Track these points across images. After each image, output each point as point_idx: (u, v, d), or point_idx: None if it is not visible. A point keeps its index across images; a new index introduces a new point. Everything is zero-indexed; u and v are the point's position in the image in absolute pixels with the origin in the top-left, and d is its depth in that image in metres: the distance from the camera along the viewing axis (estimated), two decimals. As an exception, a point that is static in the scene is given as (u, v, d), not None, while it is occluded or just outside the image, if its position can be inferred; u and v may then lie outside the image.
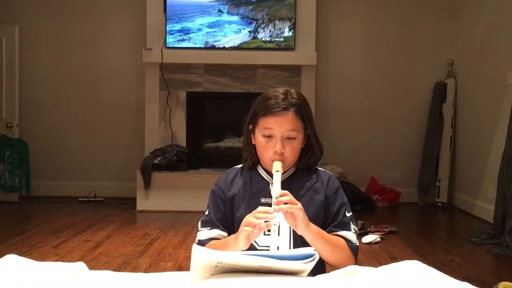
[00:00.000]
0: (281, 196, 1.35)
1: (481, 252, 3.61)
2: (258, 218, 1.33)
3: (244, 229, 1.34)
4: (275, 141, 1.47)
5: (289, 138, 1.48)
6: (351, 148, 5.45)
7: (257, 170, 1.57)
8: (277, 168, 1.45)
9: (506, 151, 3.85)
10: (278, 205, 1.33)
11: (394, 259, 3.34)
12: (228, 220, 1.54)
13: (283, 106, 1.47)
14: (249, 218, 1.35)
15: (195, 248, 1.09)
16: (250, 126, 1.55)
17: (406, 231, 4.21)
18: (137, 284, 1.17)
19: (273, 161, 1.47)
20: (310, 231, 1.39)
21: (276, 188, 1.39)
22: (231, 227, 1.52)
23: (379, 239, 3.82)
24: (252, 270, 1.12)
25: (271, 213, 1.33)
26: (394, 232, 4.07)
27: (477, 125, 4.88)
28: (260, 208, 1.38)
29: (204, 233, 1.53)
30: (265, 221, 1.33)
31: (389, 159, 5.50)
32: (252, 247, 1.44)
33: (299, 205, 1.36)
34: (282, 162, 1.47)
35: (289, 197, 1.35)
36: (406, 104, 5.49)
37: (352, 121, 5.50)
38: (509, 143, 3.82)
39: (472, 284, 1.10)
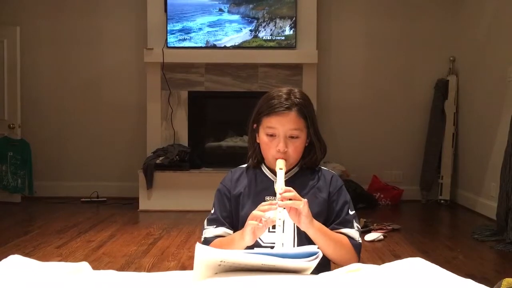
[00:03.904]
0: (285, 192, 1.37)
1: (484, 249, 3.60)
2: (262, 211, 1.35)
3: (249, 223, 1.36)
4: (278, 140, 1.49)
5: (292, 137, 1.50)
6: (353, 146, 5.44)
7: (261, 169, 1.59)
8: (280, 165, 1.46)
9: (508, 147, 3.84)
10: (282, 201, 1.35)
11: (397, 256, 3.33)
12: (233, 218, 1.56)
13: (285, 106, 1.48)
14: (254, 212, 1.37)
15: (198, 247, 1.09)
16: (254, 125, 1.56)
17: (409, 228, 4.20)
18: (141, 283, 1.17)
19: (277, 159, 1.49)
20: (313, 227, 1.40)
21: (279, 185, 1.40)
22: (236, 226, 1.54)
23: (381, 237, 3.82)
24: (255, 269, 1.12)
25: (274, 204, 1.35)
26: (396, 229, 4.06)
27: (479, 122, 4.87)
28: (263, 203, 1.40)
29: (210, 231, 1.54)
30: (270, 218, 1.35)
31: (391, 157, 5.49)
32: (257, 244, 1.46)
33: (304, 200, 1.37)
34: (285, 160, 1.49)
35: (293, 193, 1.37)
36: (407, 101, 5.48)
37: (354, 119, 5.49)
38: (511, 139, 3.81)
39: (476, 281, 1.09)
